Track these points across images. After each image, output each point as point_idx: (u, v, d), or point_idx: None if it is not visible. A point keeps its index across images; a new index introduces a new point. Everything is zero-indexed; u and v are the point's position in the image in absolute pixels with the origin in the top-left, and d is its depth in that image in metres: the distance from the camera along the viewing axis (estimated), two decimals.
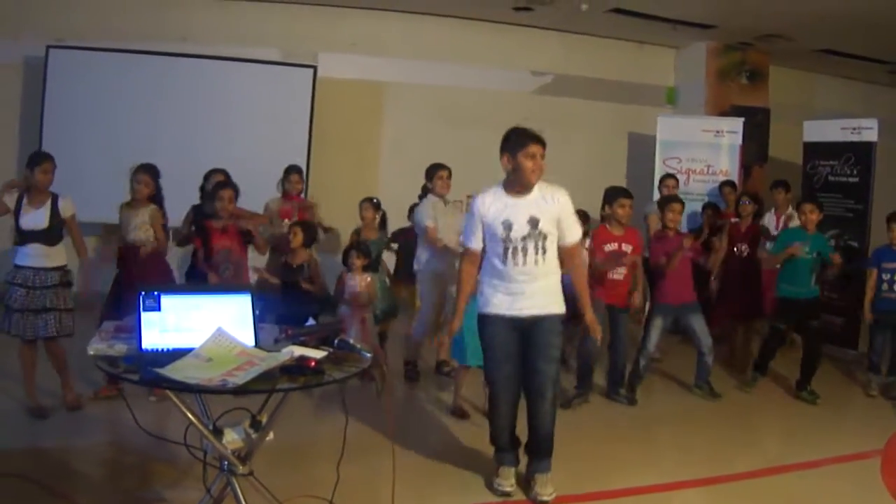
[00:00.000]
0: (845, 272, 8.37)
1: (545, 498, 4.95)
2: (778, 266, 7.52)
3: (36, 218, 5.97)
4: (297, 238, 6.92)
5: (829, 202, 9.00)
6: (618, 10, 10.58)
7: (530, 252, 4.83)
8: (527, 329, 4.93)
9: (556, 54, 11.98)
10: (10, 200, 5.99)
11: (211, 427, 3.66)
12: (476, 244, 5.01)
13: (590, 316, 5.19)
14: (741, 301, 8.16)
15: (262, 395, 3.79)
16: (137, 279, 5.87)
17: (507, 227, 4.82)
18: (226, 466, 3.71)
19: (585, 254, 6.56)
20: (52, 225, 6.01)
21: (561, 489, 5.07)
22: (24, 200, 5.99)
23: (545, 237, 4.85)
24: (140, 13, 10.13)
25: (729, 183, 9.76)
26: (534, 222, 4.83)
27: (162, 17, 10.19)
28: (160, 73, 9.94)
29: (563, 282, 5.09)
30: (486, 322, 5.04)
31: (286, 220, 7.58)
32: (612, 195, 6.97)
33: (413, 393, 7.19)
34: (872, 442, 6.13)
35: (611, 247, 6.88)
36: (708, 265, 7.93)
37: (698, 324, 7.17)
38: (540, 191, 4.89)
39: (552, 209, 4.88)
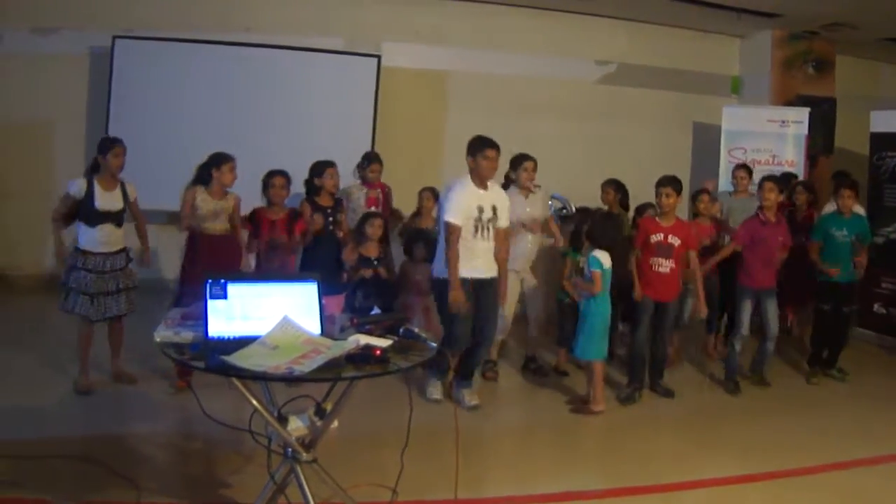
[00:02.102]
0: None
1: (475, 403, 6.44)
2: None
3: (112, 199, 6.27)
4: (380, 231, 7.26)
5: None
6: None
7: (490, 230, 6.31)
8: (477, 286, 6.29)
9: (620, 43, 11.84)
10: (78, 191, 6.20)
11: (276, 414, 3.69)
12: (462, 223, 6.20)
13: (502, 288, 6.56)
14: (798, 289, 7.99)
15: (327, 383, 3.84)
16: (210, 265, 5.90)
17: (480, 210, 6.24)
18: (290, 453, 3.74)
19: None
20: (124, 206, 6.35)
21: (617, 482, 5.14)
22: (95, 185, 6.21)
23: (496, 220, 6.33)
24: (205, 3, 10.23)
25: (791, 175, 9.60)
26: (493, 209, 6.31)
27: (227, 7, 10.26)
28: (225, 63, 10.00)
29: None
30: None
31: (374, 208, 7.66)
32: (656, 183, 6.90)
33: (481, 384, 7.02)
34: None
35: (656, 238, 6.79)
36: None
37: (772, 309, 7.13)
38: (493, 187, 6.41)
39: (501, 200, 6.39)
